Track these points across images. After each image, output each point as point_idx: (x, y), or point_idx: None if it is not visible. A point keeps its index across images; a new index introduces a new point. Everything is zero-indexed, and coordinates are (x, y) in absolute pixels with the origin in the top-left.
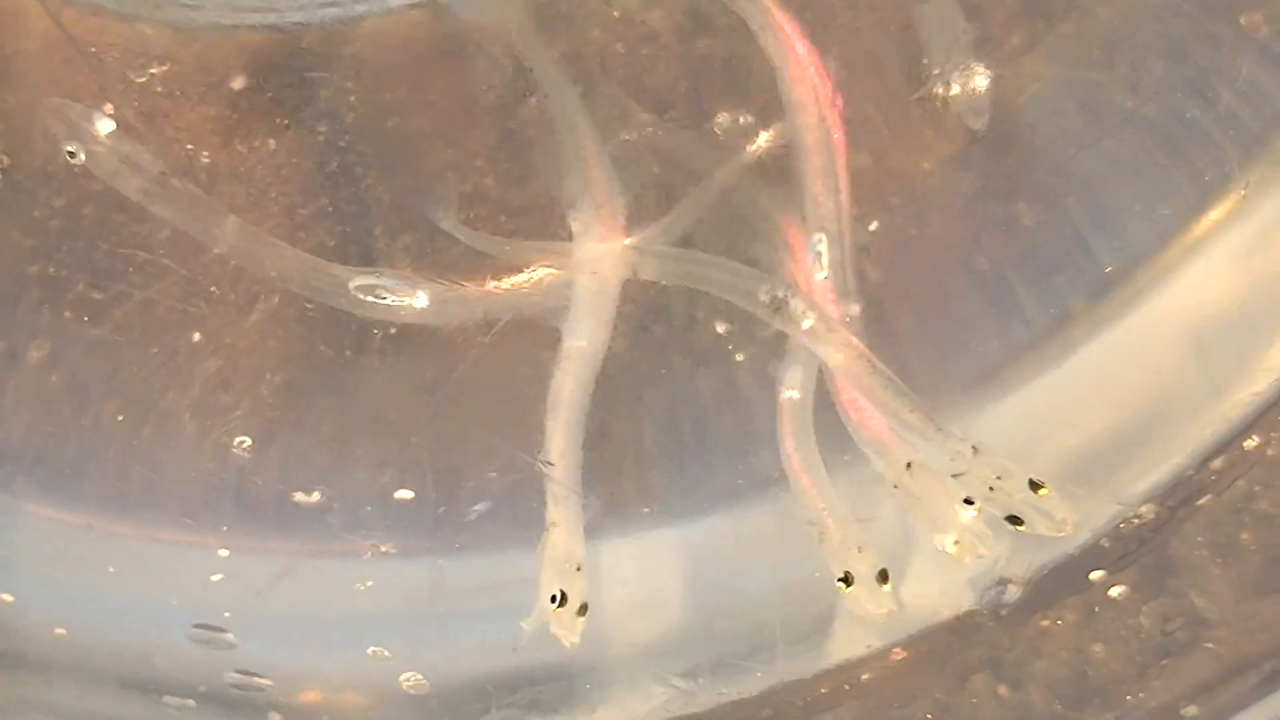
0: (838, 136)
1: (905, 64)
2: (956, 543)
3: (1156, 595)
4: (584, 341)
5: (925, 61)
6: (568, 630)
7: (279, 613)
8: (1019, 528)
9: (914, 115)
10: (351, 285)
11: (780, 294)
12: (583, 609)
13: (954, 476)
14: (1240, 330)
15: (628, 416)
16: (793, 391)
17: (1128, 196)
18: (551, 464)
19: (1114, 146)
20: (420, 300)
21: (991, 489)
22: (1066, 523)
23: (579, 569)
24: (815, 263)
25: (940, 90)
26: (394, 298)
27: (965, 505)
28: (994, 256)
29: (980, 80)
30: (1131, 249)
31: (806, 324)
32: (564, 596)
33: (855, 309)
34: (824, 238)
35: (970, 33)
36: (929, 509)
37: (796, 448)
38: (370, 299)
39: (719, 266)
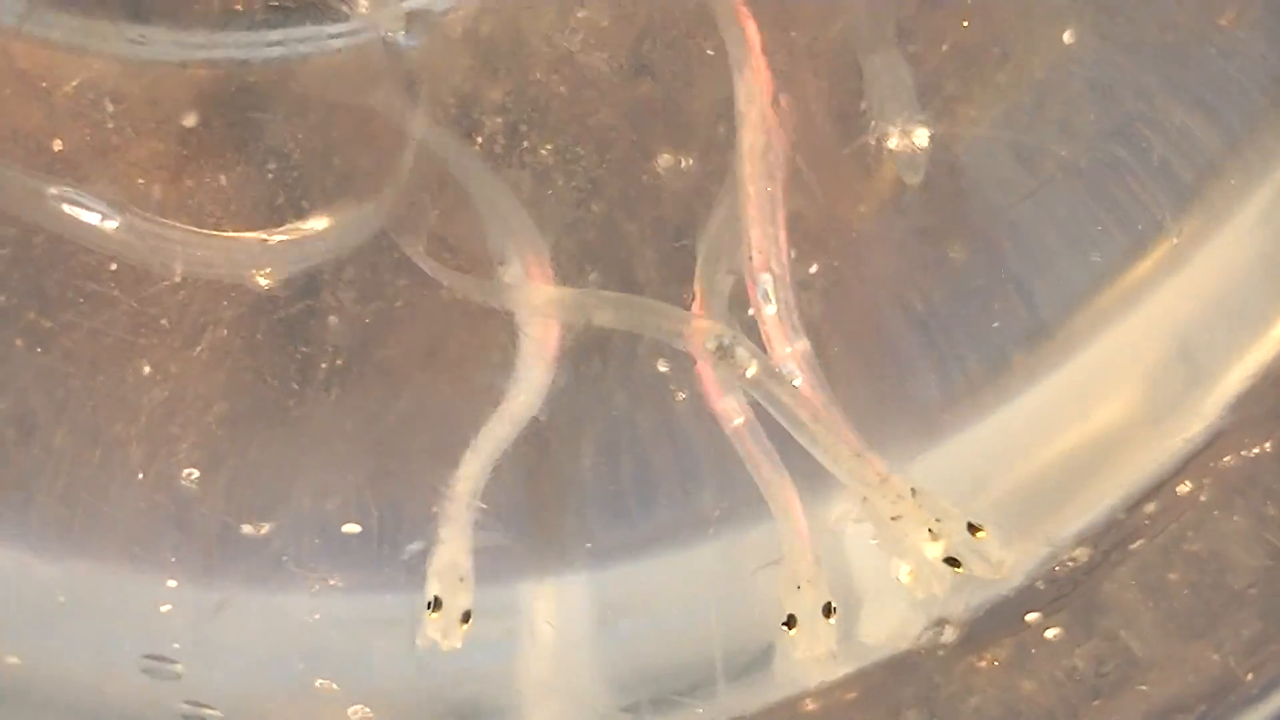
0: (780, 169)
1: (840, 109)
2: (912, 573)
3: (1090, 637)
4: (524, 396)
5: (864, 108)
6: (446, 636)
7: (227, 644)
8: (956, 570)
9: (849, 160)
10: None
11: (726, 341)
12: (466, 616)
13: (892, 519)
14: (1173, 376)
15: (567, 453)
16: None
17: (1062, 243)
18: (482, 506)
19: (1048, 194)
20: (111, 223)
21: (930, 530)
22: (1003, 565)
23: (462, 579)
24: (764, 299)
25: (876, 142)
26: (87, 214)
27: (932, 540)
28: (931, 301)
29: (920, 137)
30: (1067, 295)
31: (750, 371)
32: (438, 601)
33: (803, 344)
34: (769, 277)
35: (913, 90)
36: (894, 531)
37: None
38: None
39: (662, 313)
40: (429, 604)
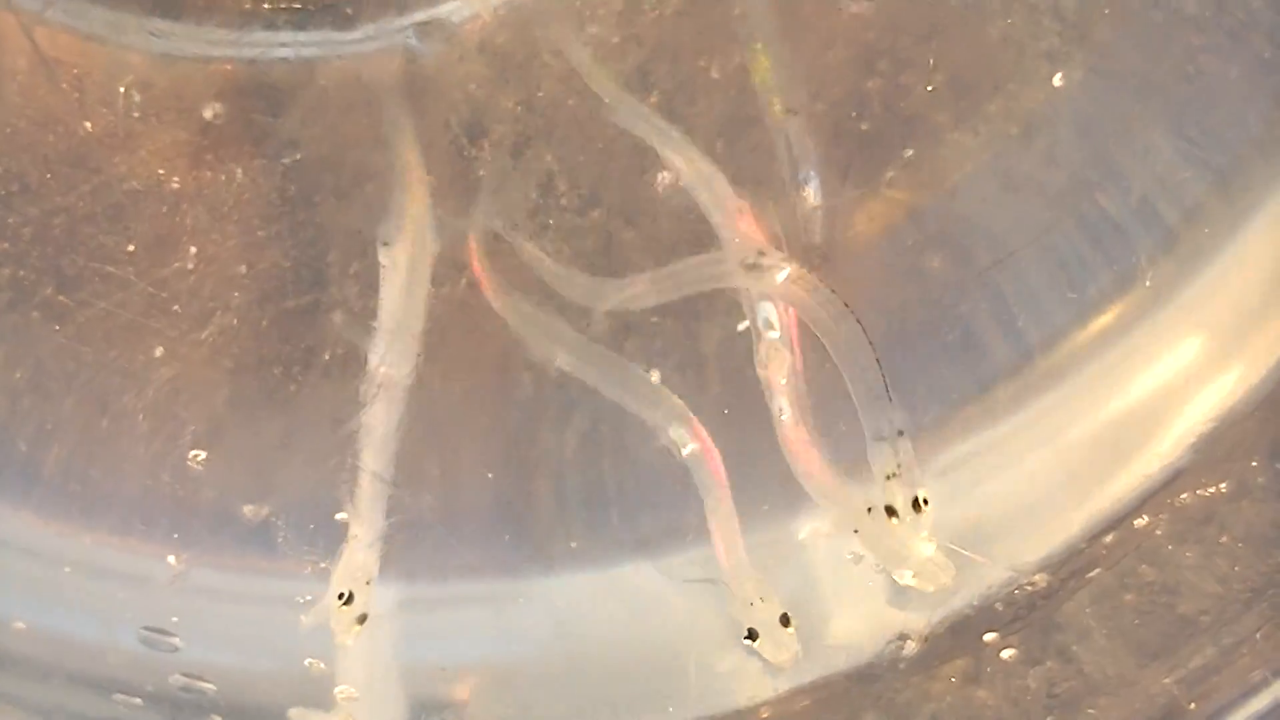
0: None
1: None
2: (916, 575)
3: (1044, 659)
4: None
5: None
6: (344, 631)
7: (224, 620)
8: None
9: None
10: None
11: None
12: (362, 618)
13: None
14: (1139, 416)
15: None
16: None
17: (1046, 277)
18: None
19: (1033, 227)
20: None
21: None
22: (946, 573)
23: (368, 583)
24: (765, 326)
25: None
26: None
27: (926, 541)
28: (915, 322)
29: (811, 196)
30: (1049, 328)
31: (782, 275)
32: (350, 596)
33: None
34: (771, 306)
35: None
36: (889, 547)
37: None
38: None
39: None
40: (340, 595)
